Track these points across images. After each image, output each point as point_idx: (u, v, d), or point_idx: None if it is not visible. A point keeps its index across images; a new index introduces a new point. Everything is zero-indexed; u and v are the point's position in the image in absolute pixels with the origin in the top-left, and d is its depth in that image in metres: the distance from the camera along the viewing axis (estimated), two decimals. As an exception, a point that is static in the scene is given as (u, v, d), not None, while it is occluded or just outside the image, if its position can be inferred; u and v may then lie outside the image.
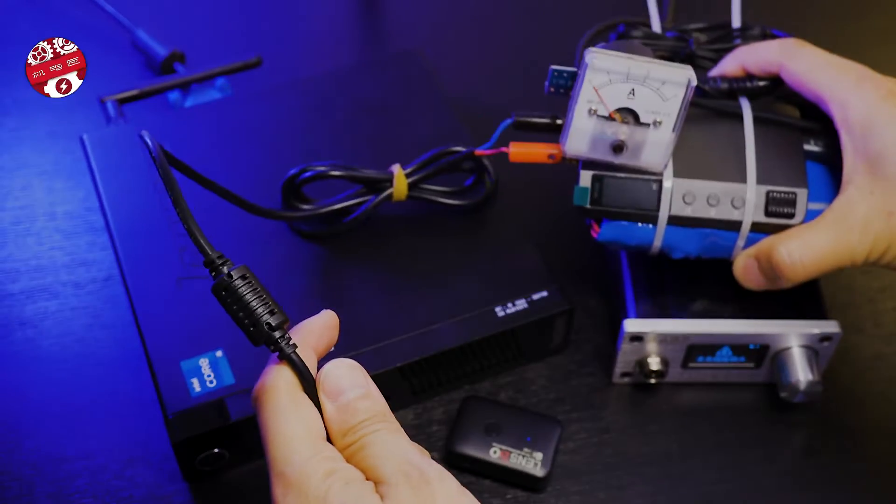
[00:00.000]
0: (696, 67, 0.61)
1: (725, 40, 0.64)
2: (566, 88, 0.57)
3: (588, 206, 0.59)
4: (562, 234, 0.68)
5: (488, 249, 0.63)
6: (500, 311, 0.61)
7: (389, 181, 0.62)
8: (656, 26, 0.67)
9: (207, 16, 0.86)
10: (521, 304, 0.61)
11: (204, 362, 0.58)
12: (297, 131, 0.68)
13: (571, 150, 0.58)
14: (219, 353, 0.58)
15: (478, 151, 0.62)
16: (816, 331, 0.61)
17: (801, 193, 0.58)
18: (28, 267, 0.69)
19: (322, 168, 0.62)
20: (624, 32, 0.63)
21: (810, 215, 0.58)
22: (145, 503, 0.59)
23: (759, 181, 0.58)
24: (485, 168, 0.64)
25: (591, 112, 0.56)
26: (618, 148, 0.57)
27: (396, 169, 0.63)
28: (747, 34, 0.64)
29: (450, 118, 0.70)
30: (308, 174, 0.62)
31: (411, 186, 0.63)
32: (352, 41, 0.83)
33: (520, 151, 0.59)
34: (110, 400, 0.63)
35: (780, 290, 0.60)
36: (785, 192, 0.58)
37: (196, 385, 0.57)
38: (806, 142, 0.61)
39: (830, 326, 0.61)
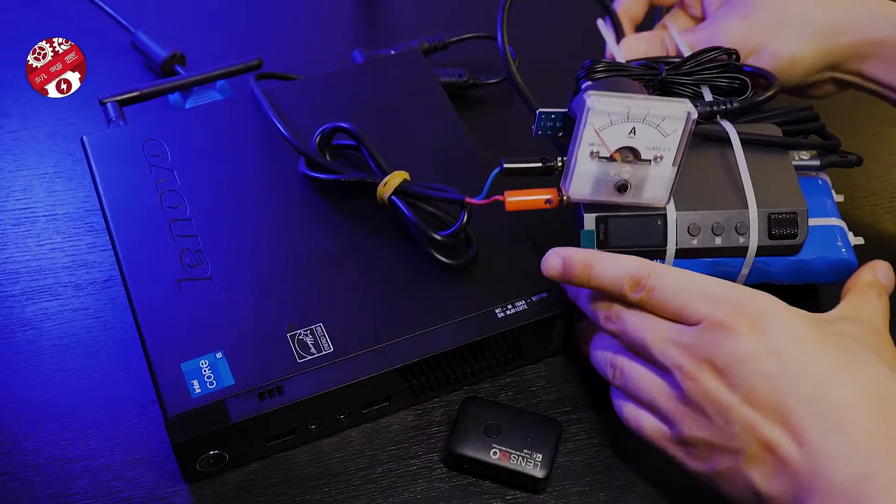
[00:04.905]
0: (670, 94, 0.61)
1: (693, 64, 0.63)
2: (554, 130, 0.57)
3: (595, 248, 0.58)
4: (562, 234, 0.68)
5: (488, 251, 0.63)
6: (499, 313, 0.61)
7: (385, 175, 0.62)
8: (613, 47, 0.67)
9: (208, 17, 0.87)
10: (521, 305, 0.61)
11: (204, 364, 0.58)
12: (297, 132, 0.68)
13: (575, 195, 0.57)
14: (219, 355, 0.58)
15: (469, 200, 0.59)
16: (816, 331, 0.61)
17: (802, 212, 0.58)
18: (29, 268, 0.69)
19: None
20: (588, 67, 0.62)
21: (811, 231, 0.59)
22: (146, 504, 0.59)
23: (760, 205, 0.58)
24: (469, 240, 0.63)
25: (594, 154, 0.56)
26: (622, 187, 0.57)
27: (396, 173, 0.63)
28: (708, 56, 0.63)
29: (450, 118, 0.70)
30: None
31: (398, 192, 0.62)
32: (352, 41, 0.83)
33: (516, 201, 0.58)
34: (111, 401, 0.63)
35: (779, 289, 0.60)
36: (786, 213, 0.58)
37: (196, 386, 0.57)
38: (792, 157, 0.61)
39: (830, 327, 0.61)
